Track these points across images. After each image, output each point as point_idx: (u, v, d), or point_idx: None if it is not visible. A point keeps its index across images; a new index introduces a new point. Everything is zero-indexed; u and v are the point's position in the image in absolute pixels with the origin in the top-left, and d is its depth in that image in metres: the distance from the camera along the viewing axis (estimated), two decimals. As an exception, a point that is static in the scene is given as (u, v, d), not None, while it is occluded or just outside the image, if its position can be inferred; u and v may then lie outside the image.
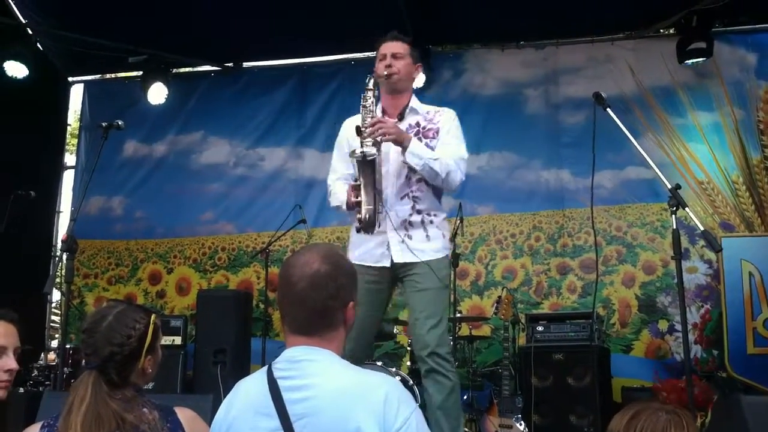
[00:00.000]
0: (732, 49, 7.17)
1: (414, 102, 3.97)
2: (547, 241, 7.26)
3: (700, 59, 6.89)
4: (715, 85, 7.08)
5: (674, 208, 3.61)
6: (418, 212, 3.84)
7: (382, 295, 3.91)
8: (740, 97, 7.02)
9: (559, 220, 7.24)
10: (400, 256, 3.80)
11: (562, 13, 7.06)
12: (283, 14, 7.16)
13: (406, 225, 3.83)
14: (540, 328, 6.11)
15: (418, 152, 3.74)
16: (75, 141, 9.18)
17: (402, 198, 3.84)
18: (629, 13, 7.15)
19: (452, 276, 3.99)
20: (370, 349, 4.06)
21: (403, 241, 3.80)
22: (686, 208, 3.58)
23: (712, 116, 7.06)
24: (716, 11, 6.80)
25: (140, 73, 8.01)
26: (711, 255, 6.60)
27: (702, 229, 3.58)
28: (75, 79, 8.69)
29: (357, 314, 2.21)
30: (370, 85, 3.79)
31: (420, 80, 6.44)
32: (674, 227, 3.65)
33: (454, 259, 5.81)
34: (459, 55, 7.97)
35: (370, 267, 3.86)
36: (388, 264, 3.83)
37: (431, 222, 3.85)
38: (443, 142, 3.86)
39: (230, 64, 8.41)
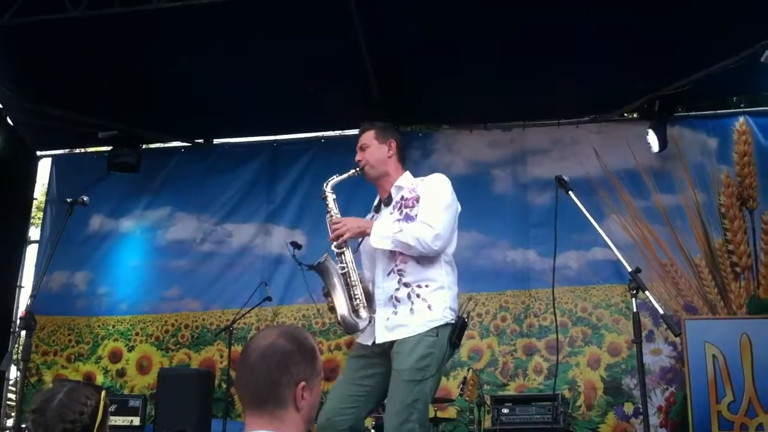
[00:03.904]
0: (694, 134, 7.33)
1: (402, 179, 3.98)
2: (513, 322, 7.23)
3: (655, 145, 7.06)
4: (678, 168, 7.21)
5: (634, 292, 3.63)
6: (406, 285, 3.74)
7: (368, 370, 3.78)
8: (702, 180, 7.14)
9: (525, 300, 7.24)
10: (383, 335, 3.72)
11: (528, 97, 7.21)
12: (254, 92, 7.24)
13: (393, 301, 3.75)
14: (505, 411, 6.06)
15: (381, 234, 3.74)
16: (41, 214, 9.10)
17: (389, 274, 3.81)
18: (594, 98, 7.33)
19: (445, 352, 3.67)
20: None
21: (388, 319, 3.73)
22: (646, 292, 3.59)
23: (675, 199, 7.16)
24: (678, 97, 6.98)
25: (110, 148, 8.01)
26: (675, 337, 6.61)
27: (662, 312, 3.59)
28: (43, 153, 8.68)
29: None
30: (327, 191, 3.96)
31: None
32: (635, 311, 3.66)
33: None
34: (428, 135, 8.07)
35: (359, 344, 3.87)
36: (369, 342, 3.78)
37: (418, 295, 3.70)
38: (421, 206, 3.83)
39: (200, 141, 8.46)
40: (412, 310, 3.69)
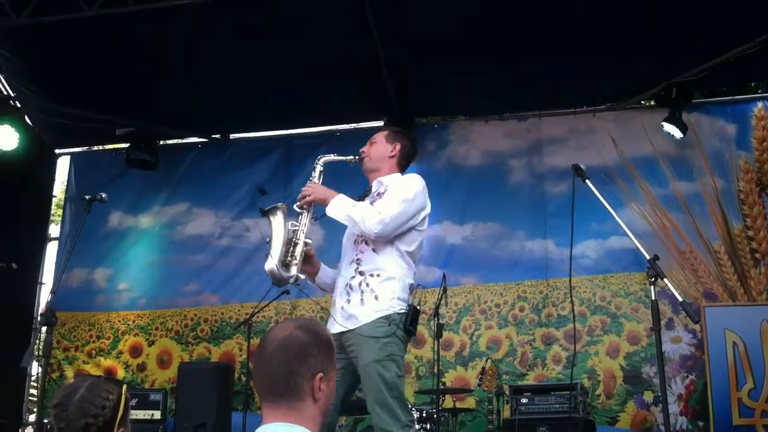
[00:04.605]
0: (711, 120, 7.27)
1: (388, 177, 4.08)
2: (531, 311, 7.22)
3: (676, 133, 7.01)
4: (696, 155, 7.16)
5: (653, 279, 3.61)
6: (361, 274, 3.86)
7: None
8: (720, 167, 7.09)
9: (543, 290, 7.22)
10: (338, 325, 3.82)
11: (544, 86, 7.18)
12: (270, 87, 7.26)
13: (348, 288, 3.87)
14: (524, 400, 6.06)
15: (337, 205, 3.89)
16: (61, 212, 9.17)
17: (351, 263, 3.93)
18: (610, 86, 7.29)
19: (400, 339, 3.76)
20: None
21: (342, 308, 3.85)
22: (665, 279, 3.57)
23: (693, 186, 7.11)
24: (695, 83, 6.93)
25: (127, 144, 8.06)
26: (695, 325, 6.57)
27: (681, 300, 3.57)
28: (62, 151, 8.74)
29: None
30: (318, 163, 4.12)
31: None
32: (653, 298, 3.64)
33: (438, 329, 5.78)
34: (444, 127, 8.06)
35: None
36: (333, 330, 3.83)
37: (367, 284, 3.82)
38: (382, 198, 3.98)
39: (217, 136, 8.48)
40: (362, 300, 3.81)
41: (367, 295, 3.80)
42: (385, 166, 4.11)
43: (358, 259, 3.90)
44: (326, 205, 3.92)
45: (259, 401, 2.12)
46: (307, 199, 3.95)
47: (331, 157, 4.14)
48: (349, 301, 3.84)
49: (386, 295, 3.80)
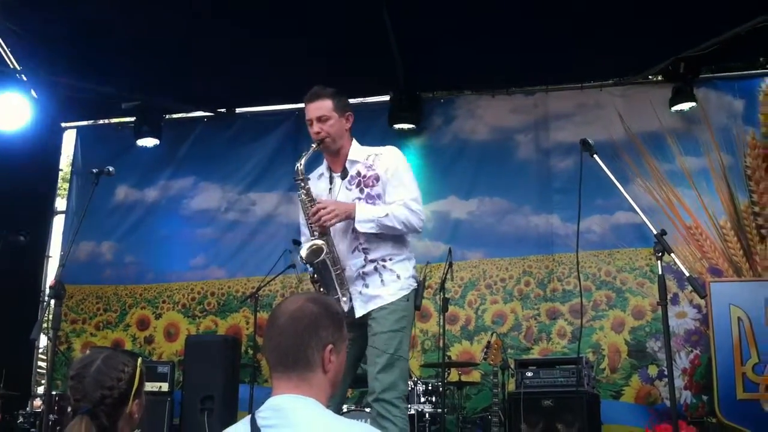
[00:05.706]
0: (719, 95, 7.26)
1: (353, 151, 3.94)
2: (536, 286, 7.25)
3: (685, 106, 7.01)
4: (703, 131, 7.15)
5: (660, 254, 3.61)
6: (371, 261, 3.83)
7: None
8: (728, 142, 7.08)
9: (548, 265, 7.25)
10: (361, 309, 3.81)
11: (551, 60, 7.15)
12: (276, 60, 7.23)
13: (362, 276, 3.83)
14: (529, 374, 6.08)
15: (366, 217, 3.76)
16: (67, 186, 9.19)
17: (353, 251, 3.86)
18: (617, 60, 7.25)
19: (412, 314, 3.91)
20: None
21: (361, 293, 3.81)
22: (672, 254, 3.58)
23: (700, 162, 7.11)
24: (703, 58, 6.90)
25: (133, 118, 8.07)
26: (700, 300, 6.60)
27: (687, 274, 3.58)
28: (68, 124, 8.75)
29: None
30: (300, 175, 3.83)
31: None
32: (660, 273, 3.65)
33: (443, 303, 5.81)
34: (450, 101, 8.04)
35: None
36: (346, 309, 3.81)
37: (384, 267, 3.82)
38: (390, 185, 3.85)
39: (223, 110, 8.47)
40: (382, 282, 3.82)
41: (387, 275, 3.82)
42: (345, 141, 3.94)
43: (365, 249, 3.84)
44: (351, 218, 3.77)
45: (270, 372, 2.14)
46: (333, 222, 3.75)
47: (302, 161, 3.83)
48: (367, 286, 3.82)
49: (405, 273, 3.86)
